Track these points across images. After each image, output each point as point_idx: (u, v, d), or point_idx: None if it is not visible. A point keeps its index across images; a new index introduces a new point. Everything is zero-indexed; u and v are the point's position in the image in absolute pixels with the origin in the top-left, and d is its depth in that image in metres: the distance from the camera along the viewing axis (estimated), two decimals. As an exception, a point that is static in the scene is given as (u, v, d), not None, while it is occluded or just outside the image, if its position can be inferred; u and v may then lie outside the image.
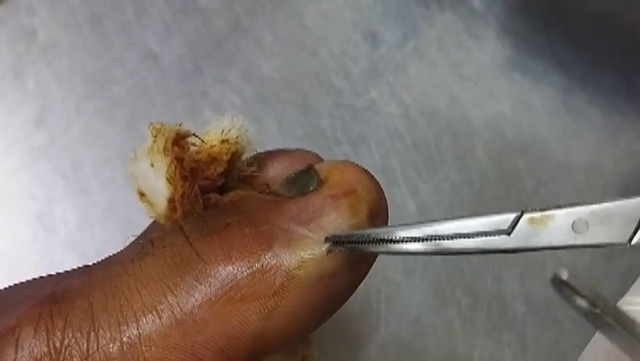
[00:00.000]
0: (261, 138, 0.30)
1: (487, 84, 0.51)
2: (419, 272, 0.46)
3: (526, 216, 0.22)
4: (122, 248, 0.29)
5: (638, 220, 0.21)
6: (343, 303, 0.28)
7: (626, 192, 0.49)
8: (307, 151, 0.31)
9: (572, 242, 0.22)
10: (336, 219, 0.26)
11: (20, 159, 0.47)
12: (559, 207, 0.22)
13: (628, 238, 0.21)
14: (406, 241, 0.24)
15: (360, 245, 0.25)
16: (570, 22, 0.53)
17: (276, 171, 0.30)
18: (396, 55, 0.51)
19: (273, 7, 0.51)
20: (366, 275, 0.28)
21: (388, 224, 0.28)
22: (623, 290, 0.47)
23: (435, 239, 0.23)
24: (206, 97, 0.49)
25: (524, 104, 0.51)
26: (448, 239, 0.23)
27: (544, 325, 0.46)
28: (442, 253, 0.23)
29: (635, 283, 0.22)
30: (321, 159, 0.31)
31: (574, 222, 0.21)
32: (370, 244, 0.25)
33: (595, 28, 0.53)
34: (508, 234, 0.22)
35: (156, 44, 0.50)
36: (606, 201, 0.21)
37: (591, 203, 0.22)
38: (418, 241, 0.23)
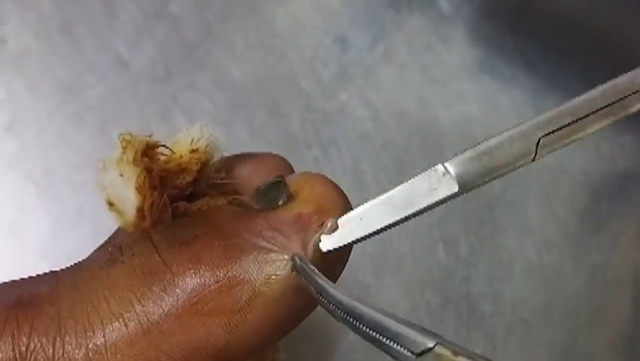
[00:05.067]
0: (232, 142, 0.30)
1: (455, 86, 0.52)
2: (390, 274, 0.46)
3: (438, 350, 0.21)
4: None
5: None
6: (307, 316, 0.28)
7: (593, 192, 0.50)
8: (274, 155, 0.31)
9: None
10: (303, 237, 0.26)
11: (-8, 167, 0.47)
12: (475, 355, 0.21)
13: None
14: (337, 308, 0.24)
15: (314, 283, 0.25)
16: (537, 25, 0.54)
17: (243, 176, 0.30)
18: (365, 58, 0.52)
19: (244, 13, 0.51)
20: None
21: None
22: (590, 288, 0.48)
23: (360, 323, 0.23)
24: (176, 102, 0.49)
25: (492, 105, 0.51)
26: (370, 330, 0.22)
27: (512, 324, 0.47)
28: (363, 337, 0.23)
29: None
30: (287, 163, 0.31)
31: None
32: (320, 295, 0.24)
33: (561, 30, 0.54)
34: (417, 355, 0.21)
35: (127, 50, 0.50)
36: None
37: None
38: (350, 316, 0.23)
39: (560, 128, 0.26)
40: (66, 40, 0.50)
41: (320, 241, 0.26)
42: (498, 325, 0.47)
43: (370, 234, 0.26)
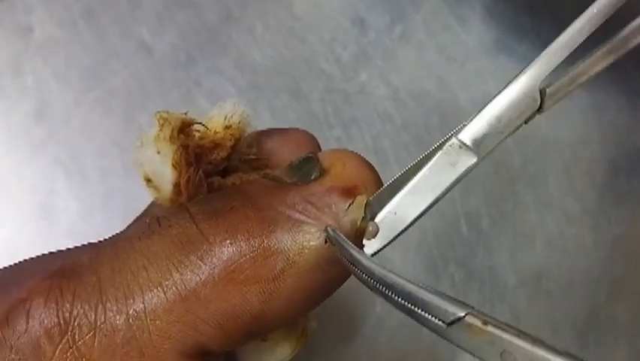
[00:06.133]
0: (255, 124, 0.31)
1: (473, 65, 0.52)
2: (413, 248, 0.47)
3: (468, 320, 0.21)
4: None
5: None
6: (339, 287, 0.28)
7: (612, 165, 0.50)
8: (300, 130, 0.32)
9: None
10: (336, 211, 0.27)
11: (22, 153, 0.48)
12: (505, 326, 0.20)
13: None
14: (370, 278, 0.24)
15: (347, 254, 0.25)
16: (552, 4, 0.54)
17: (271, 151, 0.31)
18: (384, 39, 0.52)
19: (263, -3, 0.52)
20: None
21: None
22: (610, 260, 0.48)
23: (392, 293, 0.23)
24: (199, 86, 0.50)
25: (510, 83, 0.52)
26: (402, 299, 0.22)
27: (535, 296, 0.47)
28: (395, 306, 0.23)
29: None
30: (313, 138, 0.32)
31: (504, 351, 0.20)
32: (353, 265, 0.25)
33: (577, 7, 0.54)
34: (448, 325, 0.21)
35: (150, 36, 0.50)
36: (555, 351, 0.19)
37: (537, 343, 0.20)
38: (382, 286, 0.23)
39: (562, 76, 0.26)
40: (90, 27, 0.50)
41: (352, 221, 0.27)
42: (521, 297, 0.47)
43: (408, 225, 0.26)
